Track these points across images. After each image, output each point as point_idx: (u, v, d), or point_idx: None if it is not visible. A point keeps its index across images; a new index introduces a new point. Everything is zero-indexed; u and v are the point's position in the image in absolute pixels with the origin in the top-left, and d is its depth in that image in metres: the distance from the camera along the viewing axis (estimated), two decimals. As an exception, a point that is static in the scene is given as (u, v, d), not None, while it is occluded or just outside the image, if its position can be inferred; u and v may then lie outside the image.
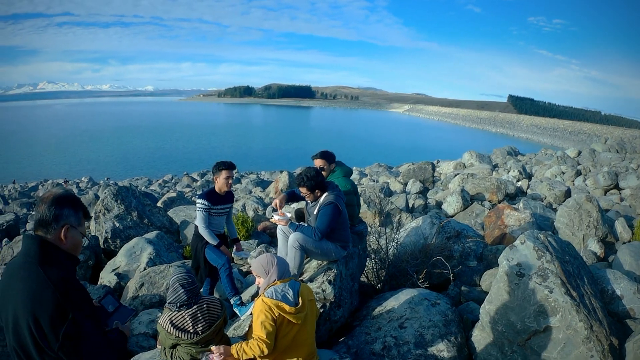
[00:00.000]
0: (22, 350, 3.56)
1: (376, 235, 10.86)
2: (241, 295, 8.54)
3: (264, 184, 40.43)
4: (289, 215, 7.89)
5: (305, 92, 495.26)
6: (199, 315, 5.73)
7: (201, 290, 8.70)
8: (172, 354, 5.92)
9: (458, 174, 31.30)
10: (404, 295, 8.33)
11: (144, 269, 11.81)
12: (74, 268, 3.90)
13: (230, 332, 7.58)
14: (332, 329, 7.69)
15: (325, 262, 8.08)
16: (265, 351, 5.39)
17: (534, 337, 6.69)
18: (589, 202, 14.38)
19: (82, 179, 70.55)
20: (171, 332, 5.65)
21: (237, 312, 8.31)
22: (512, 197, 24.08)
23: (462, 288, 9.89)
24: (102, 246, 14.98)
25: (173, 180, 63.06)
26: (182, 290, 5.70)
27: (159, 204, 23.41)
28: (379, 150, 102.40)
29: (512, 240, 13.04)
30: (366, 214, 17.33)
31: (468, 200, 21.76)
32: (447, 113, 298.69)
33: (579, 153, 43.53)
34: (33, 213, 42.13)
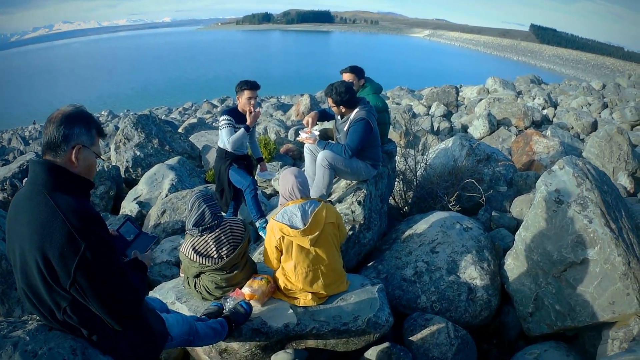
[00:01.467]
0: (31, 292, 3.26)
1: (404, 157, 10.55)
2: (266, 218, 8.18)
3: (284, 108, 39.94)
4: (317, 133, 7.52)
5: (324, 17, 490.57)
6: (223, 238, 5.52)
7: (225, 214, 8.41)
8: (195, 283, 5.76)
9: (482, 99, 30.66)
10: (435, 217, 8.04)
11: (166, 196, 11.67)
12: (88, 193, 3.53)
13: (255, 256, 7.34)
14: (360, 253, 7.47)
15: (354, 182, 7.78)
16: (275, 266, 5.71)
17: (569, 269, 6.38)
18: (620, 135, 13.92)
19: (102, 112, 70.46)
20: (194, 260, 5.46)
21: (262, 235, 8.02)
22: (538, 124, 23.64)
23: (493, 214, 9.57)
24: (123, 176, 14.91)
25: (193, 108, 62.65)
26: (207, 208, 5.48)
27: (180, 130, 23.19)
28: (400, 74, 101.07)
29: (540, 168, 12.73)
30: (392, 134, 16.87)
31: (494, 124, 21.37)
32: (468, 39, 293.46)
33: (604, 86, 42.38)
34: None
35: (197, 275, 5.69)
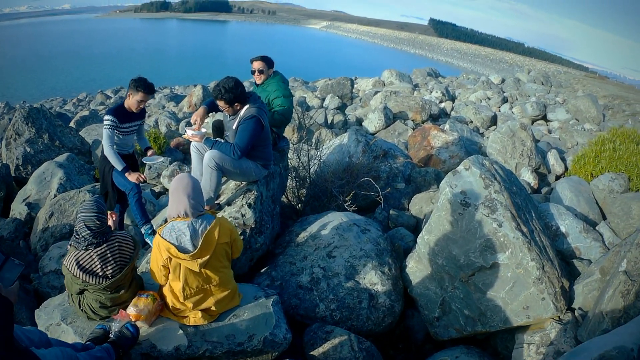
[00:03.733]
0: None
1: (297, 152, 10.37)
2: (152, 224, 7.84)
3: (177, 99, 39.19)
4: (204, 130, 7.11)
5: (222, 6, 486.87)
6: (109, 255, 5.16)
7: (113, 208, 8.01)
8: (79, 300, 5.36)
9: (378, 91, 30.62)
10: (330, 218, 7.89)
11: (54, 196, 11.16)
12: None
13: (142, 266, 7.04)
14: (253, 259, 7.19)
15: (244, 183, 7.50)
16: (162, 283, 5.35)
17: (478, 274, 6.36)
18: (523, 130, 14.20)
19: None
20: (77, 275, 5.06)
21: (148, 242, 7.66)
22: (436, 118, 24.00)
23: (391, 212, 9.53)
24: (14, 174, 14.19)
25: (87, 99, 61.01)
26: (94, 219, 5.09)
27: (71, 123, 22.50)
28: (295, 66, 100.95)
29: (439, 163, 12.78)
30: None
31: (390, 118, 21.46)
32: (366, 32, 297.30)
33: (503, 80, 43.42)
34: None
35: (81, 292, 5.30)
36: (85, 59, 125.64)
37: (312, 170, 9.96)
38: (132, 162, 8.10)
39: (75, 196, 10.37)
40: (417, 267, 6.97)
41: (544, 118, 26.85)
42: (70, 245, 5.22)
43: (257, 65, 8.32)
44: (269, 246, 7.60)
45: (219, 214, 6.63)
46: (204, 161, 6.84)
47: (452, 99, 32.05)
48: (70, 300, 5.54)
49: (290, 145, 9.93)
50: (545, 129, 24.40)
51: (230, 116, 7.05)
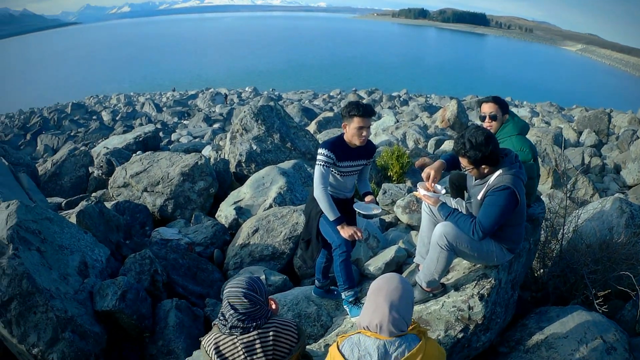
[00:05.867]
0: None
1: (548, 215, 8.10)
2: (357, 290, 6.47)
3: (431, 109, 38.55)
4: (442, 192, 5.50)
5: (479, 19, 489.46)
6: (258, 346, 4.02)
7: (314, 260, 6.82)
8: None
9: (634, 130, 27.20)
10: (574, 321, 6.05)
11: (269, 206, 10.49)
12: None
13: (331, 337, 5.94)
14: (468, 357, 5.61)
15: (479, 265, 5.82)
16: None
17: None
18: None
19: (247, 88, 71.52)
20: None
21: (346, 310, 6.41)
22: None
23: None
24: (234, 170, 14.05)
25: (339, 97, 62.27)
26: (232, 311, 4.03)
27: (312, 123, 22.02)
28: (551, 88, 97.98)
29: None
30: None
31: (657, 173, 18.45)
32: (618, 59, 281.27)
33: None
34: (184, 122, 43.12)
35: None
36: (340, 56, 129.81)
37: (564, 239, 7.86)
38: (349, 211, 6.58)
39: (288, 215, 9.54)
40: None
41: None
42: (214, 324, 4.20)
43: (488, 108, 6.33)
44: (493, 341, 5.92)
45: (436, 303, 5.38)
46: (433, 234, 5.26)
47: None
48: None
49: (546, 201, 7.97)
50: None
51: (475, 179, 5.40)
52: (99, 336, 6.66)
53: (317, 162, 6.01)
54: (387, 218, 10.96)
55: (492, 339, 5.73)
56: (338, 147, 6.04)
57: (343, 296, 6.35)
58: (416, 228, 9.42)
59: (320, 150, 5.99)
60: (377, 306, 3.62)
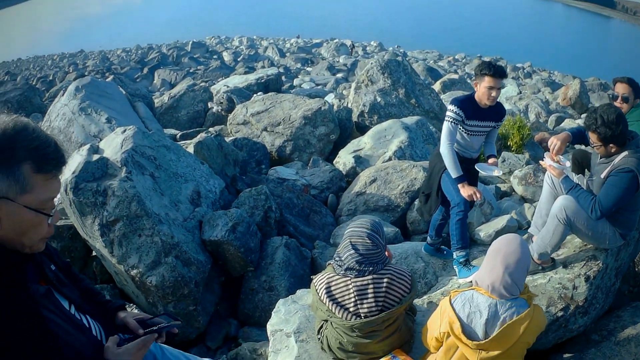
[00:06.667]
0: None
1: None
2: (468, 251, 6.32)
3: (554, 86, 37.14)
4: (567, 164, 5.42)
5: (606, 1, 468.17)
6: (370, 290, 4.02)
7: (431, 215, 6.80)
8: (321, 326, 4.40)
9: None
10: None
11: (389, 159, 10.45)
12: (20, 274, 2.02)
13: (435, 295, 5.87)
14: (562, 338, 5.49)
15: (589, 245, 5.65)
16: (431, 351, 4.10)
17: None
18: None
19: (372, 42, 70.90)
20: (324, 302, 4.08)
21: (455, 270, 6.31)
22: None
23: None
24: (356, 120, 14.02)
25: (464, 60, 61.20)
26: (352, 251, 4.04)
27: (437, 83, 21.73)
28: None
29: None
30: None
31: None
32: None
33: None
34: (307, 69, 43.08)
35: (325, 319, 4.32)
36: (467, 20, 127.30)
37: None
38: (472, 171, 6.49)
39: (407, 169, 9.39)
40: None
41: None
42: (329, 264, 4.29)
43: (622, 89, 6.34)
44: (587, 327, 5.74)
45: (544, 279, 5.35)
46: (553, 207, 5.23)
47: None
48: (316, 322, 4.59)
49: None
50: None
51: (600, 158, 5.28)
52: (202, 265, 6.76)
53: (445, 118, 6.03)
54: (503, 187, 10.71)
55: (588, 324, 5.62)
56: (468, 105, 6.01)
57: (454, 255, 6.31)
58: (529, 201, 9.11)
59: (449, 107, 5.99)
60: (493, 267, 3.74)
